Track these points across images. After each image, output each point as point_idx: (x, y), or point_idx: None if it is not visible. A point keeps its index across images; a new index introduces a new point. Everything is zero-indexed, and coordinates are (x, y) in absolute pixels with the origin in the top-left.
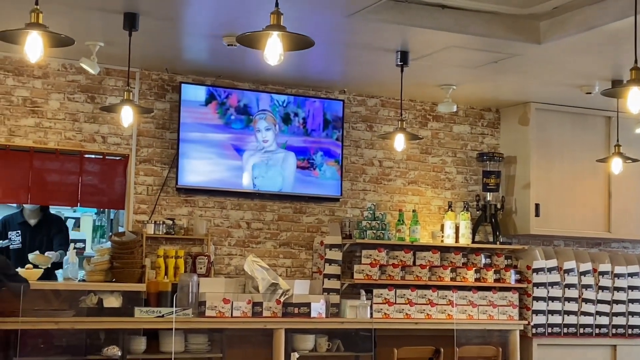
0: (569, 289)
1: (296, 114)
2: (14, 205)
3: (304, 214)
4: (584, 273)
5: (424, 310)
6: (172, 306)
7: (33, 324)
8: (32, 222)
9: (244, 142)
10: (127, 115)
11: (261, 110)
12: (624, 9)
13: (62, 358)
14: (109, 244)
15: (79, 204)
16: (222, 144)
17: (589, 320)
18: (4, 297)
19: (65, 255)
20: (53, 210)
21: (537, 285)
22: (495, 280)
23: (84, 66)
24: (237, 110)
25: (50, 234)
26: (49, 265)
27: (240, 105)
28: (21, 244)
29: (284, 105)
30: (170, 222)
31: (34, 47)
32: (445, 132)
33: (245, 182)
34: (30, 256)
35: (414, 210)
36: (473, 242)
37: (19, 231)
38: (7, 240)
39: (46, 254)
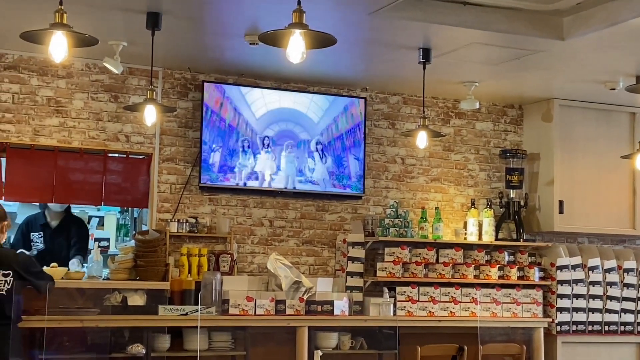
0: (593, 286)
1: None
2: (38, 205)
3: (326, 211)
4: (609, 270)
5: (448, 308)
6: (195, 304)
7: (58, 322)
8: (54, 223)
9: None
10: (150, 114)
11: None
12: None
13: (87, 356)
14: (132, 243)
15: (102, 202)
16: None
17: (613, 317)
18: (29, 295)
19: (85, 261)
20: (77, 210)
21: (561, 282)
22: (519, 278)
23: (108, 66)
24: None
25: (70, 237)
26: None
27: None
28: (43, 245)
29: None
30: (194, 220)
31: (58, 47)
32: (467, 129)
33: (269, 180)
34: (45, 268)
35: (436, 208)
36: (496, 239)
37: (41, 233)
38: (31, 244)
39: (70, 263)
